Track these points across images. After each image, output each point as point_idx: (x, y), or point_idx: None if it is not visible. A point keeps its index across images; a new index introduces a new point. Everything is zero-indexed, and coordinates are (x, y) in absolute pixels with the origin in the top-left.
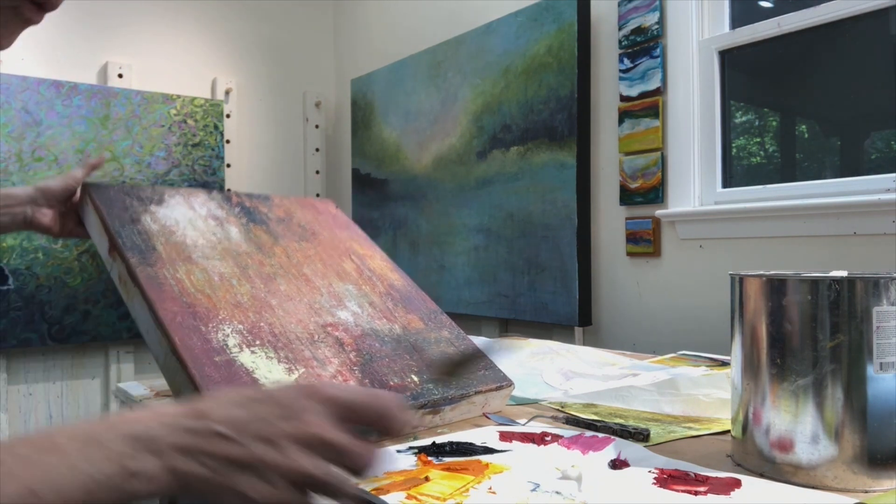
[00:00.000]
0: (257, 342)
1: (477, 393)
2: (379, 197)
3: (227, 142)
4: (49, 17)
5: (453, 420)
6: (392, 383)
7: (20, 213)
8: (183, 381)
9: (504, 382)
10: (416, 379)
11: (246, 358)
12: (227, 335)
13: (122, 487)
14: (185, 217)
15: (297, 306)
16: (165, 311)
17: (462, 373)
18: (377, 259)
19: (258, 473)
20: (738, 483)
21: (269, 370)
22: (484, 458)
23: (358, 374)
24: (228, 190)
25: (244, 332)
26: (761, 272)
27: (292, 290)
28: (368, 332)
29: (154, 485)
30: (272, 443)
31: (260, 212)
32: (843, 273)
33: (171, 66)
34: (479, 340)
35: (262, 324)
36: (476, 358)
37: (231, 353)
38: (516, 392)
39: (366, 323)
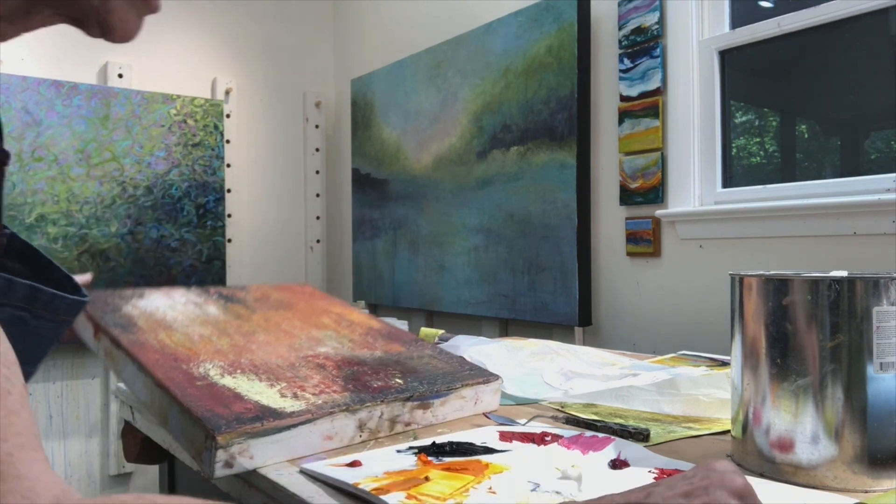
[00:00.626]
0: (238, 371)
1: (464, 386)
2: (379, 197)
3: (227, 142)
4: None
5: (447, 417)
6: (376, 385)
7: None
8: (168, 406)
9: (490, 376)
10: (399, 381)
11: (228, 381)
12: (209, 369)
13: None
14: (164, 304)
15: (277, 348)
16: (147, 358)
17: None
18: (356, 314)
19: None
20: None
21: (251, 387)
22: (484, 458)
23: (341, 383)
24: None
25: (225, 365)
26: (761, 272)
27: (271, 338)
28: (350, 358)
29: None
30: None
31: (236, 296)
32: (843, 273)
33: (171, 66)
34: (472, 340)
35: (242, 360)
36: None
37: (213, 379)
38: (516, 392)
39: (347, 352)
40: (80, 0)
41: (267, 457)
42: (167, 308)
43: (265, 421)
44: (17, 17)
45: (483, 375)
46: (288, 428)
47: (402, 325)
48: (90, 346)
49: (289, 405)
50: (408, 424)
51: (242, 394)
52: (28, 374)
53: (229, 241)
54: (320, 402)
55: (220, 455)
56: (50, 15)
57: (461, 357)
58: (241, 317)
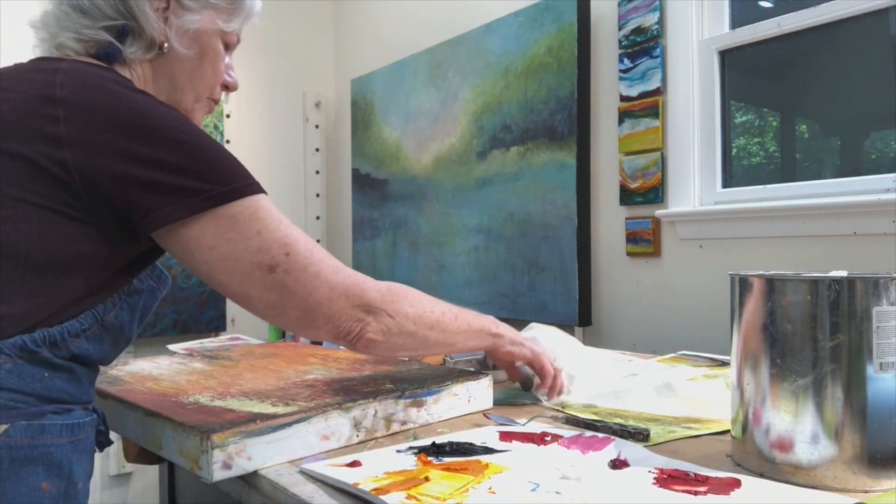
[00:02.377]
0: (228, 396)
1: (455, 383)
2: (379, 197)
3: (227, 142)
4: None
5: (442, 416)
6: (366, 390)
7: None
8: (161, 430)
9: (480, 373)
10: (390, 385)
11: (218, 403)
12: (198, 398)
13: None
14: (149, 366)
15: (266, 380)
16: (135, 398)
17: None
18: (342, 352)
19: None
20: (737, 483)
21: (241, 404)
22: (484, 458)
23: (331, 392)
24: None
25: (214, 395)
26: (761, 272)
27: (258, 375)
28: (339, 378)
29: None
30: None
31: (221, 354)
32: (843, 273)
33: None
34: None
35: (231, 390)
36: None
37: (203, 403)
38: (516, 392)
39: (335, 374)
40: (178, 105)
41: (265, 458)
42: (152, 368)
43: (259, 420)
44: None
45: (474, 373)
46: (283, 426)
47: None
48: None
49: (282, 410)
50: (403, 423)
51: (234, 409)
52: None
53: None
54: (313, 404)
55: (217, 455)
56: None
57: (451, 367)
58: (226, 367)
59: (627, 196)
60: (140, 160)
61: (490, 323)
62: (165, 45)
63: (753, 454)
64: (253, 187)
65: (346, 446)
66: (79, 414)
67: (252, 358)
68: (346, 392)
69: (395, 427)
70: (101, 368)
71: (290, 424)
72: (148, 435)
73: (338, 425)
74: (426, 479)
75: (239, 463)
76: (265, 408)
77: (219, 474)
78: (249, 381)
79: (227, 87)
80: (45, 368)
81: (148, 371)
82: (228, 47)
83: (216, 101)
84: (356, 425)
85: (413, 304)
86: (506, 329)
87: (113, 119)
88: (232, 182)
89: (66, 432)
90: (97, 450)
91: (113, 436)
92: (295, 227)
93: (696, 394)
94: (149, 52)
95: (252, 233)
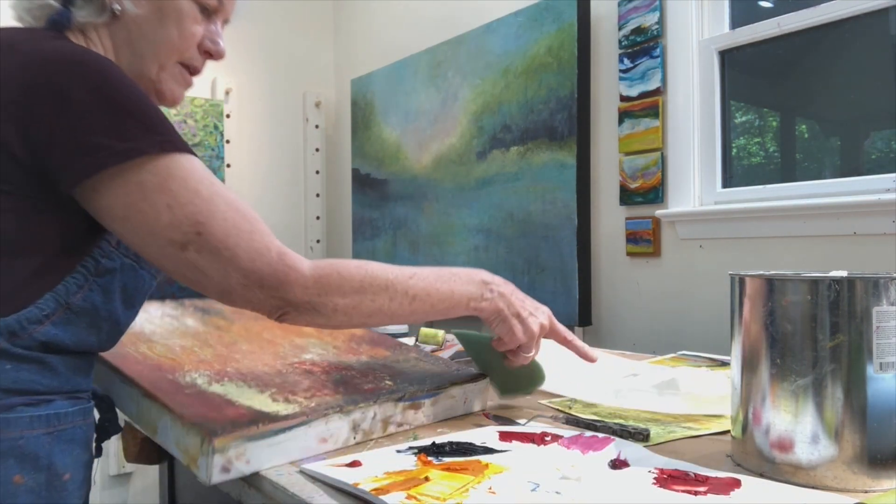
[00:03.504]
0: (225, 379)
1: (453, 385)
2: (379, 197)
3: (227, 142)
4: None
5: (438, 417)
6: (367, 387)
7: None
8: (158, 416)
9: (478, 375)
10: (389, 382)
11: (217, 388)
12: (195, 378)
13: (476, 302)
14: (141, 318)
15: (262, 356)
16: (131, 370)
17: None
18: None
19: (522, 321)
20: (737, 483)
21: (240, 393)
22: (484, 458)
23: (332, 386)
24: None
25: (211, 374)
26: (761, 272)
27: (254, 347)
28: (336, 363)
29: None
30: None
31: (213, 308)
32: (843, 273)
33: None
34: None
35: (228, 369)
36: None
37: (201, 387)
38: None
39: (332, 358)
40: (142, 75)
41: (263, 461)
42: (144, 322)
43: (261, 424)
44: None
45: (471, 375)
46: (284, 430)
47: (402, 325)
48: None
49: (282, 408)
50: (400, 425)
51: (233, 400)
52: (135, 313)
53: None
54: (313, 404)
55: (217, 460)
56: None
57: (447, 359)
58: (220, 328)
59: (627, 196)
60: (44, 119)
61: (472, 290)
62: (116, 5)
63: (753, 454)
64: (167, 145)
65: (343, 448)
66: (60, 404)
67: (245, 319)
68: (346, 387)
69: (392, 429)
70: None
71: (290, 428)
72: (143, 416)
73: (337, 428)
74: (426, 479)
75: (237, 466)
76: (265, 402)
77: (217, 477)
78: (246, 355)
79: (210, 55)
80: (7, 360)
81: (140, 326)
82: (207, 11)
83: (194, 70)
84: (354, 428)
85: (347, 293)
86: (497, 296)
87: (16, 79)
88: (139, 137)
89: (41, 423)
90: (99, 437)
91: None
92: (221, 196)
93: (698, 390)
94: (101, 14)
95: (162, 205)
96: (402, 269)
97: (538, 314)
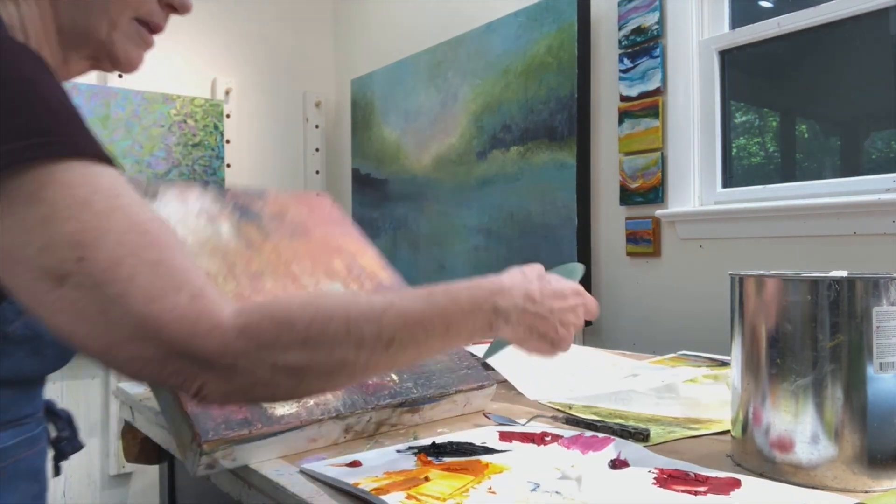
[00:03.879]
0: None
1: (457, 392)
2: (379, 197)
3: (227, 142)
4: None
5: (434, 418)
6: (370, 382)
7: None
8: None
9: (486, 382)
10: (395, 378)
11: None
12: None
13: (483, 334)
14: (176, 214)
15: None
16: None
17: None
18: (368, 256)
19: (553, 343)
20: (737, 483)
21: None
22: (484, 458)
23: None
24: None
25: None
26: (761, 272)
27: (278, 288)
28: None
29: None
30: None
31: (252, 209)
32: (843, 273)
33: (171, 66)
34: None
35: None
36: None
37: None
38: (517, 392)
39: None
40: (90, 36)
41: (249, 457)
42: (179, 221)
43: (253, 428)
44: (59, 69)
45: (479, 380)
46: (276, 434)
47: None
48: None
49: (279, 405)
50: (394, 426)
51: None
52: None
53: None
54: (311, 402)
55: (205, 459)
56: (78, 60)
57: (463, 349)
58: (252, 245)
59: (627, 196)
60: None
61: (477, 325)
62: None
63: (753, 454)
64: (57, 147)
65: (334, 444)
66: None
67: (281, 230)
68: None
69: (385, 429)
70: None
71: (282, 432)
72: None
73: (329, 430)
74: (426, 479)
75: (223, 463)
76: None
77: (202, 472)
78: (267, 294)
79: (174, 8)
80: None
81: (172, 227)
82: None
83: (155, 28)
84: (347, 430)
85: (290, 346)
86: (514, 325)
87: None
88: (19, 138)
89: None
90: (56, 457)
91: (113, 435)
92: (124, 213)
93: (697, 395)
94: None
95: (34, 221)
96: (372, 299)
97: (568, 315)
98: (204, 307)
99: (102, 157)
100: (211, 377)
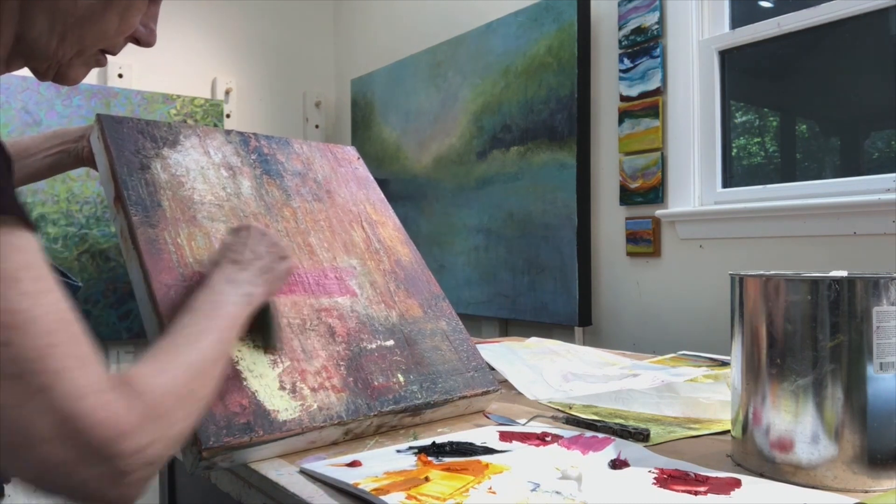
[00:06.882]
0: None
1: (462, 398)
2: None
3: None
4: None
5: (435, 419)
6: (376, 383)
7: (73, 150)
8: None
9: (491, 388)
10: (401, 379)
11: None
12: None
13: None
14: (196, 165)
15: (294, 285)
16: (160, 285)
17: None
18: (389, 227)
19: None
20: (738, 483)
21: (254, 363)
22: (484, 458)
23: (343, 372)
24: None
25: None
26: (761, 272)
27: (293, 262)
28: (364, 320)
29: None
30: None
31: (277, 161)
32: (843, 273)
33: (171, 66)
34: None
35: None
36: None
37: None
38: (517, 392)
39: (362, 309)
40: (50, 55)
41: (247, 458)
42: (198, 174)
43: (254, 435)
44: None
45: (484, 385)
46: (275, 440)
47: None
48: (107, 199)
49: (282, 407)
50: (393, 427)
51: (243, 373)
52: None
53: None
54: (315, 406)
55: (203, 463)
56: (21, 65)
57: (471, 345)
58: (271, 209)
59: (627, 196)
60: None
61: (236, 300)
62: None
63: (753, 454)
64: None
65: (334, 444)
66: None
67: (304, 191)
68: (356, 375)
69: (384, 430)
70: (143, 149)
71: (283, 438)
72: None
73: (328, 434)
74: (426, 479)
75: (220, 464)
76: (271, 389)
77: (199, 472)
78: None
79: (138, 41)
80: None
81: (191, 184)
82: None
83: (112, 54)
84: (347, 433)
85: (181, 402)
86: (261, 289)
87: None
88: None
89: None
90: None
91: None
92: (52, 296)
93: (697, 395)
94: None
95: None
96: (177, 336)
97: (261, 246)
98: (122, 404)
99: (28, 221)
100: (131, 470)
